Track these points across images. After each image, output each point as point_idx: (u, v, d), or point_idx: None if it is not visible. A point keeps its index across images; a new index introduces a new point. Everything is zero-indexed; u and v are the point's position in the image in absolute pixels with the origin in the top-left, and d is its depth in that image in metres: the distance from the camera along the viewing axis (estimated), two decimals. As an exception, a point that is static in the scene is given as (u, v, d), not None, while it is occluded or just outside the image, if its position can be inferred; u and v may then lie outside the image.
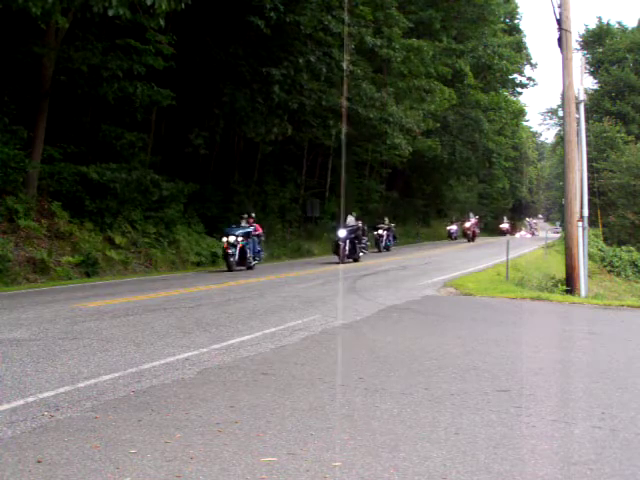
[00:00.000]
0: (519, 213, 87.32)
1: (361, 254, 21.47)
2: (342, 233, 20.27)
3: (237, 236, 17.10)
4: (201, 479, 3.51)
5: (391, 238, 28.83)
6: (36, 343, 7.05)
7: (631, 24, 77.24)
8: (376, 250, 27.23)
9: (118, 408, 4.75)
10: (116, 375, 5.67)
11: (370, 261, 21.73)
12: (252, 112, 21.65)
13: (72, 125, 18.84)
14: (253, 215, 18.68)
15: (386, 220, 28.88)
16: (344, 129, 23.79)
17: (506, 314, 10.41)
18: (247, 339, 7.42)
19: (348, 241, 20.46)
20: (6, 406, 4.74)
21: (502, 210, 67.39)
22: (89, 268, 15.66)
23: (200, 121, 22.76)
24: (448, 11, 36.99)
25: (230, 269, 16.96)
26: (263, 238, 19.59)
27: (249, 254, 17.61)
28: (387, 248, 28.01)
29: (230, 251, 17.02)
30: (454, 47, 36.66)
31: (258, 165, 27.03)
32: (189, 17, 19.49)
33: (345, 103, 23.68)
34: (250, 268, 17.75)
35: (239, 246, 17.19)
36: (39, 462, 3.71)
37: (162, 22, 14.25)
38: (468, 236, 37.03)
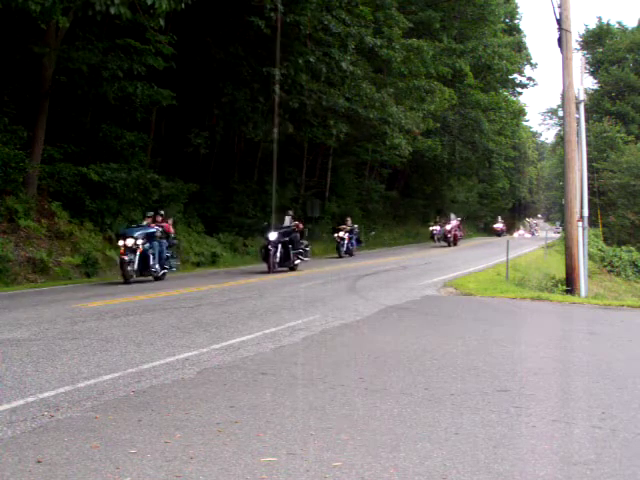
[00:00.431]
0: (519, 213, 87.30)
1: (298, 262, 17.77)
2: (272, 236, 16.53)
3: (136, 238, 13.91)
4: (201, 479, 3.51)
5: (354, 241, 25.11)
6: (36, 343, 7.05)
7: (631, 24, 77.33)
8: (336, 255, 24.05)
9: (118, 408, 4.76)
10: (116, 375, 5.67)
11: (333, 266, 19.60)
12: (252, 112, 21.64)
13: (72, 125, 18.83)
14: (162, 213, 15.38)
15: (349, 221, 25.43)
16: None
17: (506, 314, 10.41)
18: (247, 339, 7.42)
19: (280, 245, 16.83)
20: (6, 406, 4.75)
21: (501, 210, 67.38)
22: (89, 268, 15.65)
23: (200, 121, 22.77)
24: (448, 11, 37.02)
25: (127, 280, 13.69)
26: (176, 242, 16.47)
27: (152, 261, 14.34)
28: (349, 253, 24.45)
29: (127, 257, 13.70)
30: (454, 47, 36.65)
31: (258, 165, 27.04)
32: (189, 17, 19.50)
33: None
34: (158, 279, 14.63)
35: (139, 251, 13.94)
36: (39, 462, 3.71)
37: (162, 22, 14.25)
38: (448, 240, 32.12)
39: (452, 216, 33.58)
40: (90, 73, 16.31)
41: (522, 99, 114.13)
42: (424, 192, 46.95)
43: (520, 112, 52.70)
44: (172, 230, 15.71)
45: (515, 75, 53.89)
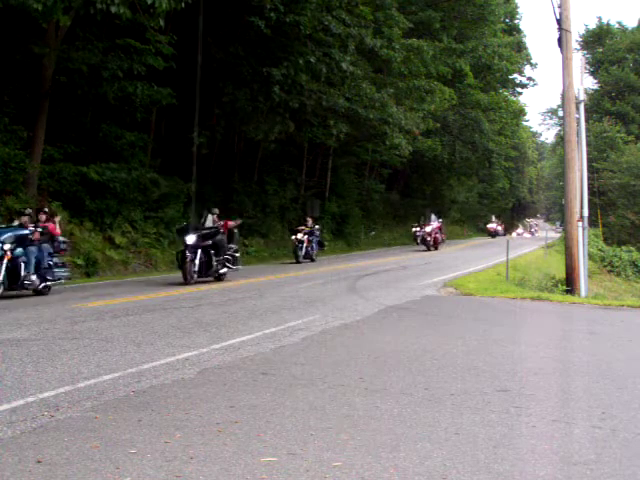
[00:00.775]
0: (519, 213, 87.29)
1: (224, 270, 14.69)
2: (190, 239, 13.68)
3: (3, 242, 11.00)
4: (201, 479, 3.51)
5: (314, 245, 21.71)
6: (36, 343, 7.05)
7: (631, 24, 77.24)
8: (293, 261, 20.80)
9: (118, 408, 4.76)
10: (116, 375, 5.67)
11: (301, 271, 17.18)
12: (253, 112, 21.64)
13: (72, 125, 18.84)
14: (46, 210, 12.77)
15: (309, 221, 22.11)
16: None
17: (506, 314, 10.41)
18: (247, 339, 7.42)
19: (200, 251, 13.79)
20: (6, 406, 4.75)
21: (501, 210, 67.32)
22: (89, 268, 15.66)
23: (201, 121, 22.77)
24: (448, 11, 36.98)
25: None
26: (65, 246, 13.06)
27: (25, 271, 11.31)
28: (310, 257, 21.37)
29: None
30: (454, 47, 36.65)
31: (258, 165, 27.04)
32: (189, 17, 19.50)
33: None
34: (40, 293, 11.76)
35: (6, 258, 10.98)
36: (39, 462, 3.71)
37: (162, 22, 14.25)
38: (427, 243, 28.20)
39: (433, 217, 29.52)
40: (90, 73, 16.31)
41: (522, 99, 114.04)
42: (424, 192, 47.00)
43: (520, 112, 52.73)
44: (59, 232, 12.60)
45: (515, 75, 53.91)
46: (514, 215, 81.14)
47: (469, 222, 56.59)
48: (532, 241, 45.22)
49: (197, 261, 13.75)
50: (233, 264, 15.20)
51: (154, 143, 21.33)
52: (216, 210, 15.33)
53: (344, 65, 22.04)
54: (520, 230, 74.81)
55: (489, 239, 45.00)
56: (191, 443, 4.03)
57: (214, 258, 14.15)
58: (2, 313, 9.35)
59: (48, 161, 16.95)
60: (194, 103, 21.83)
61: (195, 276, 13.70)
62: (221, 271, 14.61)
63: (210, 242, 14.15)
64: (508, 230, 64.76)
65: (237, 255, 15.64)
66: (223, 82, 21.60)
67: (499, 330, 8.62)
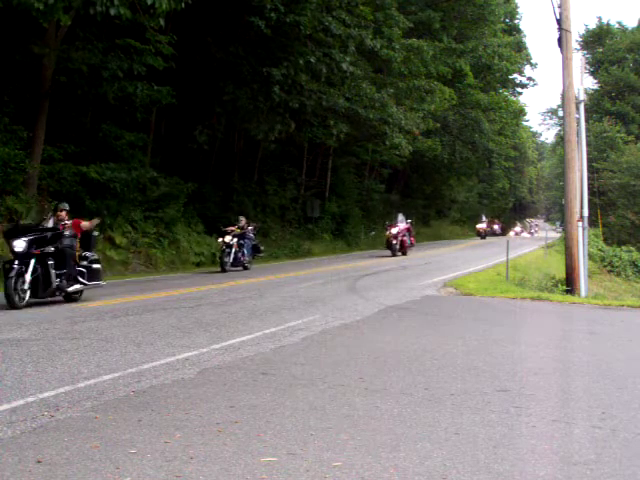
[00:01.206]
0: (519, 213, 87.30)
1: (76, 287, 10.67)
2: (19, 245, 9.77)
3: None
4: (201, 479, 3.51)
5: (247, 250, 17.80)
6: (36, 343, 7.05)
7: (631, 24, 77.19)
8: (219, 269, 17.10)
9: (118, 408, 4.75)
10: (116, 375, 5.67)
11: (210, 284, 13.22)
12: (254, 110, 21.66)
13: (72, 125, 18.83)
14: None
15: (242, 221, 18.18)
16: None
17: (506, 314, 10.42)
18: (247, 339, 7.42)
19: (33, 262, 9.82)
20: (6, 406, 4.74)
21: (502, 210, 67.25)
22: (89, 268, 15.61)
23: (201, 120, 22.78)
24: (448, 11, 37.05)
25: None
26: None
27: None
28: (242, 265, 17.60)
29: None
30: (454, 47, 36.69)
31: (258, 165, 27.05)
32: (189, 17, 19.50)
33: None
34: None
35: None
36: (39, 462, 3.70)
37: (162, 22, 14.25)
38: (393, 247, 24.17)
39: (400, 217, 25.42)
40: (90, 73, 16.30)
41: (522, 99, 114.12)
42: (424, 192, 47.01)
43: (520, 112, 52.75)
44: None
45: (515, 75, 53.95)
46: (514, 215, 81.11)
47: (469, 222, 56.61)
48: (532, 241, 45.20)
49: (28, 276, 9.77)
50: (90, 279, 10.97)
51: (153, 143, 21.32)
52: (65, 205, 11.18)
53: (344, 65, 22.06)
54: (518, 229, 74.34)
55: (490, 239, 44.91)
56: (191, 443, 4.03)
57: (54, 272, 10.11)
58: (2, 313, 9.35)
59: (48, 161, 16.94)
60: (194, 102, 21.89)
61: (27, 296, 9.81)
62: (70, 289, 10.54)
63: (52, 249, 10.15)
64: (506, 230, 64.59)
65: (97, 267, 11.36)
66: (223, 82, 21.61)
67: (499, 330, 8.62)
